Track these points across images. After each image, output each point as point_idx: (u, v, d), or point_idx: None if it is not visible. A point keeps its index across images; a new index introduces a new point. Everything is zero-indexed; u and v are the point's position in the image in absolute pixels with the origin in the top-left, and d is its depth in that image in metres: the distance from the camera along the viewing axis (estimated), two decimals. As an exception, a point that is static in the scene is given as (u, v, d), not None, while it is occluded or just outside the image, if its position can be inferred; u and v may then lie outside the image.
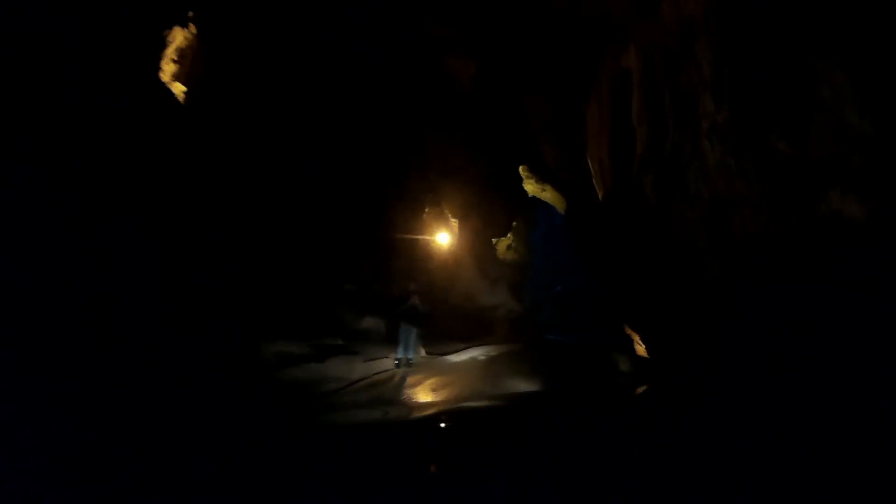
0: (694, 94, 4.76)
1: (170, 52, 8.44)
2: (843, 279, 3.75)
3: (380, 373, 6.19)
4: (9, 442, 2.57)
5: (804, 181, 4.15)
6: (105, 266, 4.28)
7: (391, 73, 12.00)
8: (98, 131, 4.97)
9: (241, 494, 2.57)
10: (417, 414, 4.68)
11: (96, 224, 4.41)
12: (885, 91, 3.80)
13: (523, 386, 5.86)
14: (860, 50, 4.04)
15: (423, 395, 5.44)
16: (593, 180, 7.32)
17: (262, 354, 5.48)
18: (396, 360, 6.74)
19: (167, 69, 8.44)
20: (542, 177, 13.64)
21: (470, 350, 8.41)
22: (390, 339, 7.12)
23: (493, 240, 15.00)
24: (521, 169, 14.47)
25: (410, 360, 6.81)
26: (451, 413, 4.49)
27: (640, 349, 7.94)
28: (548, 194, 14.55)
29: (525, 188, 14.88)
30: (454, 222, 13.58)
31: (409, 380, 6.01)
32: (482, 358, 7.69)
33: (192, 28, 8.71)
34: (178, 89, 8.54)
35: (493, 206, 14.31)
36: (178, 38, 8.51)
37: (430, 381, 5.88)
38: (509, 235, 15.49)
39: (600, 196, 7.03)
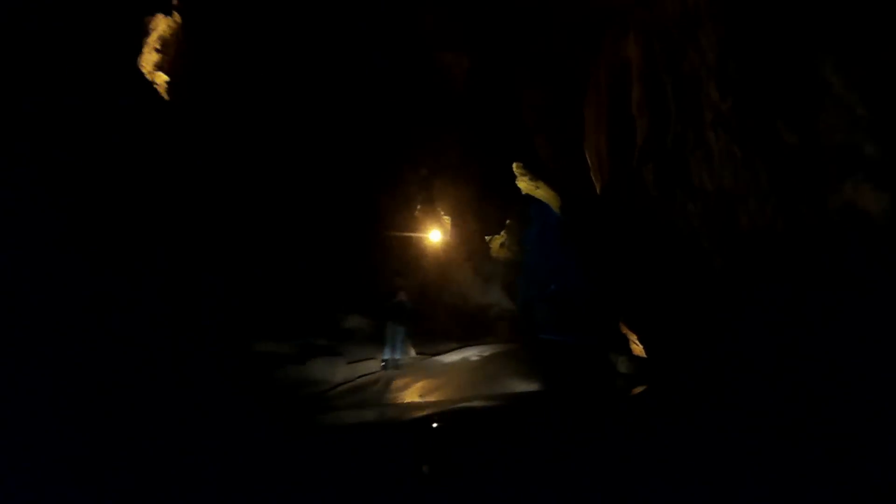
0: (697, 83, 4.56)
1: (152, 41, 8.13)
2: (849, 278, 3.58)
3: (364, 375, 5.86)
4: (9, 442, 2.56)
5: (814, 172, 3.95)
6: (105, 266, 4.21)
7: (383, 68, 11.80)
8: (77, 125, 4.73)
9: (226, 493, 2.53)
10: (406, 417, 4.46)
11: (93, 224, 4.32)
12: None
13: (519, 387, 5.64)
14: (869, 36, 3.84)
15: (410, 400, 5.16)
16: (591, 174, 7.11)
17: (254, 354, 5.24)
18: (383, 361, 6.42)
19: (149, 58, 8.13)
20: (535, 174, 13.48)
21: (463, 350, 8.18)
22: (377, 339, 6.77)
23: (487, 238, 14.88)
24: (514, 166, 14.31)
25: (398, 361, 6.49)
26: (444, 413, 4.29)
27: (637, 349, 7.79)
28: (541, 192, 14.39)
29: (518, 186, 14.74)
30: (447, 220, 13.41)
31: (396, 383, 5.70)
32: (475, 358, 7.47)
33: (177, 17, 8.40)
34: (161, 79, 8.23)
35: (486, 204, 14.19)
36: (161, 25, 8.18)
37: (419, 385, 5.59)
38: (503, 233, 15.39)
39: (598, 189, 6.82)
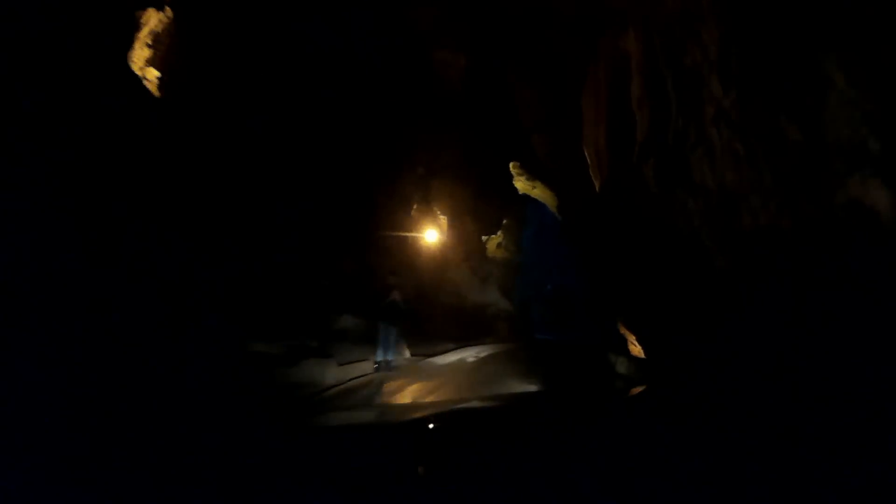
0: (699, 77, 4.46)
1: (143, 36, 7.99)
2: (852, 277, 3.50)
3: (355, 378, 5.68)
4: (8, 442, 2.55)
5: (819, 168, 3.85)
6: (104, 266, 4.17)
7: (379, 67, 11.68)
8: (66, 121, 4.61)
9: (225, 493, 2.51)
10: (400, 418, 4.35)
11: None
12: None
13: (516, 388, 5.53)
14: (872, 30, 3.75)
15: (402, 405, 5.02)
16: (590, 170, 7.00)
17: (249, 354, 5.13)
18: (376, 363, 6.26)
19: (140, 54, 7.99)
20: (532, 173, 13.41)
21: (459, 351, 8.06)
22: (370, 340, 6.59)
23: (484, 238, 14.80)
24: (511, 165, 14.26)
25: (390, 363, 6.31)
26: (440, 415, 4.20)
27: (635, 349, 7.71)
28: (538, 191, 14.34)
29: (515, 185, 14.68)
30: (443, 219, 13.31)
31: (388, 386, 5.54)
32: (472, 359, 7.35)
33: (169, 11, 8.25)
34: (152, 74, 8.09)
35: (483, 204, 14.12)
36: (153, 20, 8.04)
37: (412, 388, 5.44)
38: (499, 233, 15.33)
39: (597, 186, 6.71)
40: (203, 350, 4.60)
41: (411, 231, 12.09)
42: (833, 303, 3.58)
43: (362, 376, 5.83)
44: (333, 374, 5.44)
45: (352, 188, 10.00)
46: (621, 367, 6.56)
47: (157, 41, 8.33)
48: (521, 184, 14.53)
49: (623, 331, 8.01)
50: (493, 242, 15.44)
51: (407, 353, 7.22)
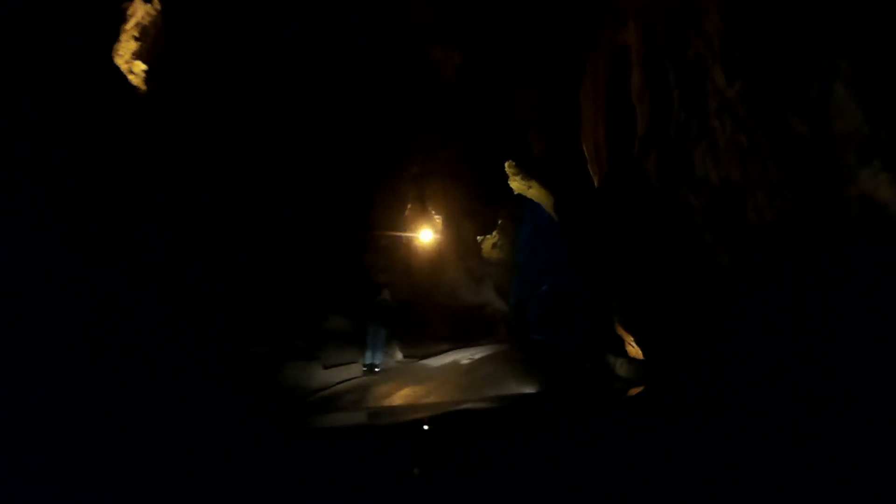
0: (702, 68, 4.30)
1: (130, 28, 7.78)
2: (856, 276, 3.41)
3: (342, 382, 5.44)
4: (8, 442, 2.28)
5: (828, 161, 3.70)
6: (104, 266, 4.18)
7: (373, 65, 11.49)
8: (52, 116, 4.48)
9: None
10: (395, 420, 4.23)
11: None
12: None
13: (513, 390, 5.36)
14: (883, 17, 3.62)
15: (392, 407, 4.83)
16: (588, 166, 6.84)
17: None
18: (364, 366, 6.03)
19: (127, 47, 7.77)
20: (528, 172, 13.31)
21: (453, 352, 7.86)
22: (359, 342, 6.33)
23: (479, 238, 14.65)
24: (507, 165, 14.15)
25: (377, 366, 6.07)
26: (434, 417, 4.07)
27: (633, 350, 7.57)
28: (534, 191, 14.24)
29: (511, 185, 14.57)
30: (438, 219, 13.13)
31: (376, 391, 5.29)
32: (466, 361, 7.16)
33: (157, 3, 8.04)
34: (139, 68, 7.87)
35: (478, 204, 13.98)
36: (140, 12, 7.83)
37: (402, 393, 5.21)
38: (495, 233, 15.20)
39: (596, 181, 6.55)
40: (202, 351, 4.56)
41: (406, 231, 11.90)
42: (836, 301, 3.49)
43: (349, 380, 5.57)
44: (318, 377, 5.19)
45: (346, 187, 9.81)
46: (621, 369, 6.40)
47: (144, 34, 8.10)
48: (516, 183, 14.43)
49: (620, 331, 7.86)
50: (489, 243, 15.31)
51: (399, 355, 7.00)
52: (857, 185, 3.52)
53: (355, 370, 5.93)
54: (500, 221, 15.15)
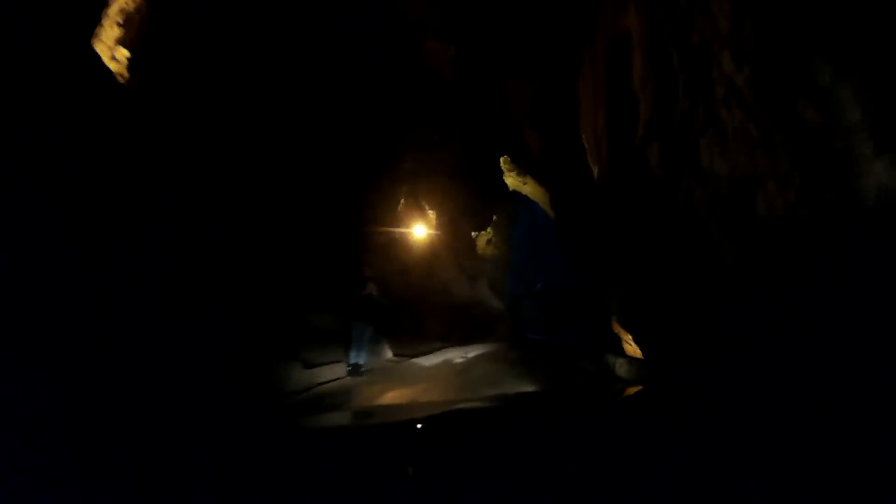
0: (709, 53, 4.08)
1: (113, 13, 7.47)
2: (860, 275, 3.27)
3: (324, 383, 5.17)
4: (8, 442, 2.56)
5: (842, 151, 3.49)
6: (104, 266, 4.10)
7: (365, 58, 11.24)
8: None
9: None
10: (389, 419, 4.12)
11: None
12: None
13: (509, 390, 5.17)
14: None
15: (382, 407, 4.61)
16: (587, 157, 6.62)
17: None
18: (349, 365, 5.75)
19: (110, 33, 7.47)
20: (524, 168, 13.12)
21: (446, 351, 7.65)
22: (345, 340, 6.04)
23: (473, 234, 14.48)
24: (502, 161, 13.97)
25: (361, 366, 5.79)
26: (427, 418, 4.02)
27: (630, 349, 7.42)
28: (529, 188, 14.06)
29: (506, 181, 14.39)
30: (431, 214, 12.93)
31: (361, 393, 5.06)
32: (459, 360, 6.94)
33: (140, -10, 7.72)
34: (122, 54, 7.57)
35: (472, 200, 13.85)
36: (122, -2, 7.52)
37: (390, 396, 4.98)
38: (489, 230, 15.04)
39: (595, 174, 6.33)
40: (202, 351, 4.51)
41: (398, 226, 11.69)
42: (843, 300, 3.34)
43: (333, 380, 5.28)
44: (300, 378, 4.92)
45: (336, 181, 9.57)
46: (620, 369, 6.21)
47: (127, 20, 7.79)
48: (511, 179, 14.25)
49: (618, 330, 7.69)
50: (483, 239, 15.14)
51: (389, 354, 6.75)
52: (874, 174, 3.33)
53: (339, 370, 5.65)
54: (494, 218, 14.99)
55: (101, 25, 7.36)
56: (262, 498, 2.44)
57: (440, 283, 12.05)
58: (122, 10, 7.64)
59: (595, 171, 6.27)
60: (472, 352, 7.66)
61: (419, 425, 3.87)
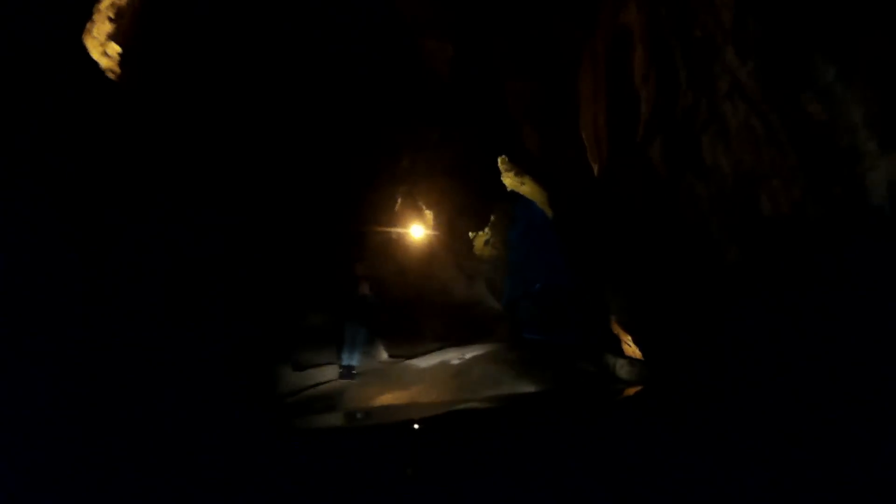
0: (712, 47, 4.01)
1: (104, 8, 7.36)
2: (861, 274, 3.25)
3: (314, 386, 5.05)
4: (8, 442, 2.58)
5: (849, 147, 3.41)
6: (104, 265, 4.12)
7: (363, 56, 11.17)
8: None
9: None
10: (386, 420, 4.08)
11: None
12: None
13: (506, 392, 5.09)
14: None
15: (377, 408, 4.51)
16: (587, 154, 6.54)
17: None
18: (341, 367, 5.63)
19: (102, 28, 7.35)
20: (522, 167, 13.04)
21: (443, 352, 7.53)
22: (337, 341, 5.89)
23: (471, 234, 14.41)
24: (500, 160, 13.90)
25: (354, 367, 5.67)
26: (426, 418, 3.92)
27: (629, 349, 7.34)
28: (527, 188, 14.00)
29: (504, 181, 14.33)
30: (429, 214, 12.85)
31: (354, 396, 4.95)
32: (456, 362, 6.83)
33: (132, -16, 7.61)
34: (114, 50, 7.46)
35: (470, 200, 13.76)
36: (114, -9, 7.41)
37: (384, 399, 4.88)
38: (487, 230, 14.97)
39: (595, 171, 6.24)
40: (201, 351, 4.48)
41: (395, 226, 11.59)
42: (845, 300, 3.32)
43: (323, 383, 5.16)
44: (290, 380, 4.79)
45: (332, 180, 9.48)
46: (621, 370, 6.13)
47: (119, 15, 7.66)
48: (509, 179, 14.19)
49: (617, 330, 7.61)
50: (481, 240, 15.06)
51: (384, 355, 6.64)
52: (883, 170, 3.26)
53: (331, 372, 5.53)
54: (492, 218, 14.92)
55: (93, 20, 7.24)
56: (262, 498, 2.44)
57: (438, 284, 11.94)
58: (113, 5, 7.52)
59: (595, 169, 6.18)
60: (470, 352, 7.57)
61: (416, 426, 3.80)
